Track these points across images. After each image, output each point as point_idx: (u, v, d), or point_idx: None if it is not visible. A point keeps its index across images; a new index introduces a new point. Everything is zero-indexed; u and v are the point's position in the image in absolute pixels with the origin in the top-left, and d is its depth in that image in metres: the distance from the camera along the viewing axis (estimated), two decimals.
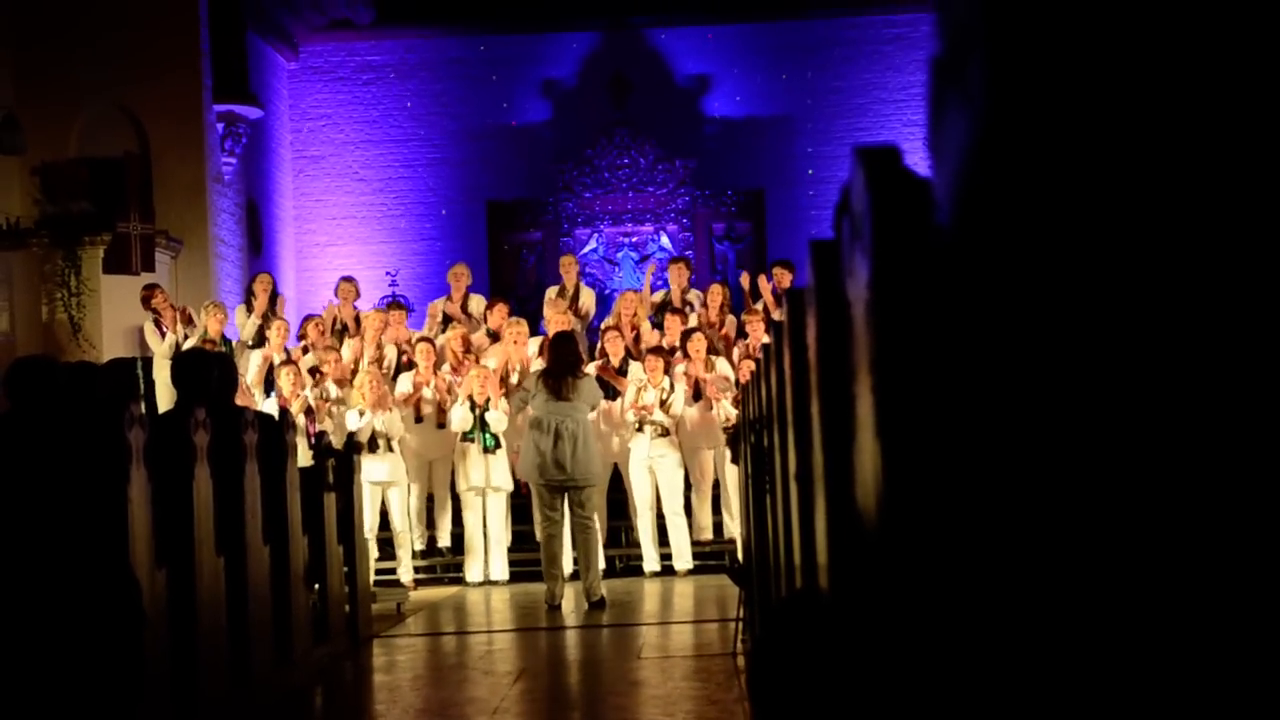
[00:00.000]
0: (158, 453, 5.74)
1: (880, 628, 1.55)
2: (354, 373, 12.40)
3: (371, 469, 11.56)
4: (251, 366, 12.58)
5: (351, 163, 18.88)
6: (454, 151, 18.76)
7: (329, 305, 14.06)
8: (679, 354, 12.53)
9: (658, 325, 13.32)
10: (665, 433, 11.93)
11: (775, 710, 2.51)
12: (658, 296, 14.16)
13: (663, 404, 11.90)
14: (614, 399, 12.15)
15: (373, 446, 11.64)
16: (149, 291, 13.31)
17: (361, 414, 11.66)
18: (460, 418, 11.75)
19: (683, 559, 12.01)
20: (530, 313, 14.37)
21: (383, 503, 11.93)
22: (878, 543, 1.48)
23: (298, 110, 18.91)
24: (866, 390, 1.48)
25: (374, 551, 11.67)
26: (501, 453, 11.80)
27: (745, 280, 14.07)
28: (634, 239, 18.01)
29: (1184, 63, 0.97)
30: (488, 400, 11.71)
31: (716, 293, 13.61)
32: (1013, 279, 1.05)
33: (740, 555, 9.73)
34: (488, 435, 11.73)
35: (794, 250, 15.91)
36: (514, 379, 11.89)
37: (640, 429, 11.93)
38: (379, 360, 12.76)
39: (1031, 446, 1.05)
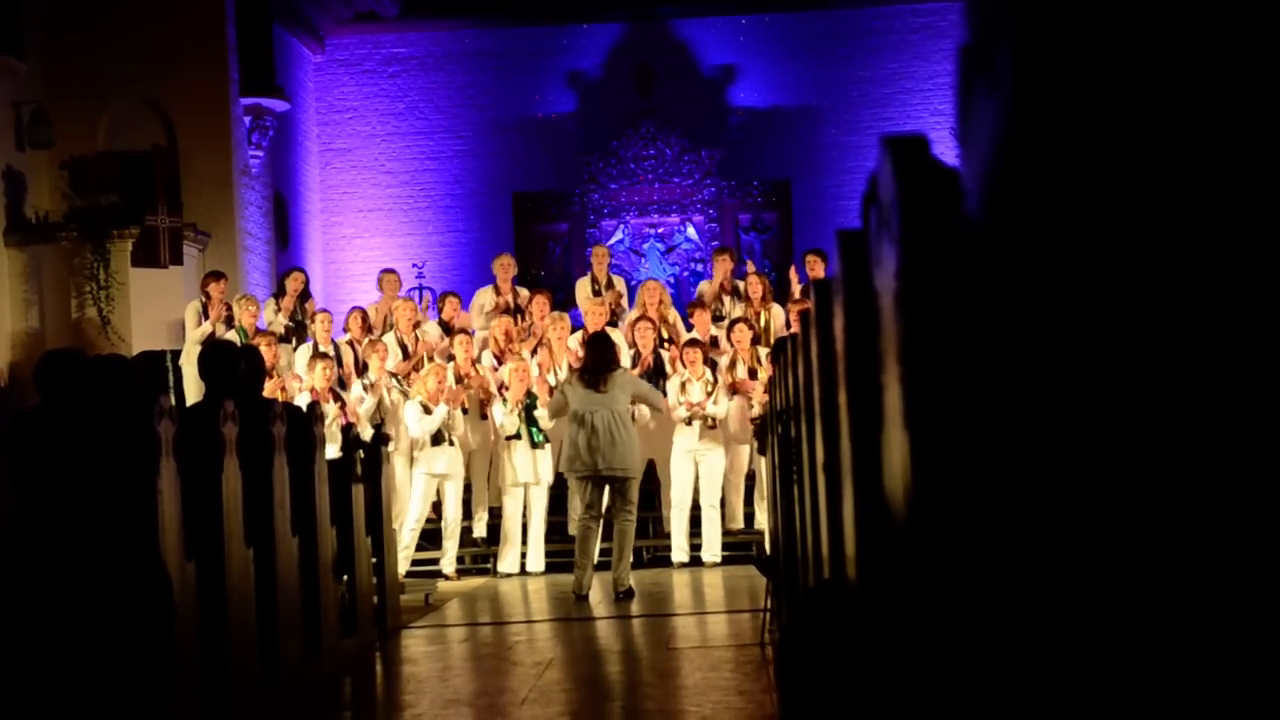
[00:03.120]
0: (187, 445, 5.76)
1: (908, 618, 1.55)
2: (415, 368, 12.49)
3: (433, 461, 11.64)
4: (298, 360, 12.66)
5: (378, 155, 18.90)
6: (480, 143, 18.77)
7: (373, 305, 14.09)
8: (716, 346, 12.59)
9: (688, 322, 13.29)
10: (713, 425, 11.94)
11: (803, 700, 2.51)
12: (709, 285, 14.16)
13: (708, 395, 11.92)
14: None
15: (436, 439, 11.69)
16: (212, 278, 13.40)
17: (425, 408, 11.67)
18: (505, 422, 11.81)
19: (712, 550, 12.02)
20: (557, 304, 14.37)
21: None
22: (905, 533, 1.48)
23: (324, 103, 18.95)
24: (894, 381, 1.47)
25: (411, 542, 11.74)
26: (549, 446, 11.83)
27: (794, 273, 14.18)
28: (660, 230, 17.98)
29: (1214, 49, 0.96)
30: (532, 396, 11.76)
31: (756, 283, 13.54)
32: (1042, 269, 1.04)
33: (768, 546, 9.73)
34: (535, 430, 11.76)
35: (820, 241, 15.87)
36: (560, 373, 11.93)
37: (689, 423, 11.94)
38: (417, 354, 12.81)
39: (1060, 438, 1.05)
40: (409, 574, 11.32)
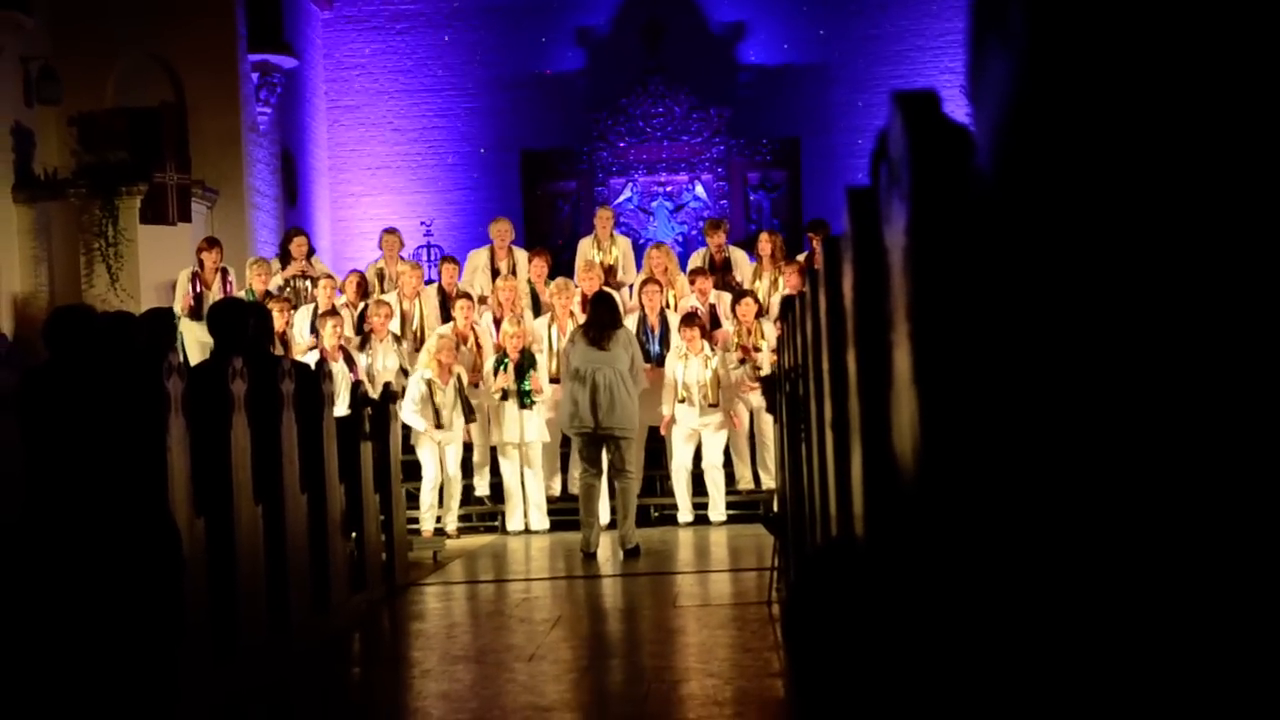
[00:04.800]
0: (195, 402, 5.77)
1: (915, 576, 1.55)
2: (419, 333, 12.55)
3: (431, 431, 11.67)
4: (299, 321, 12.67)
5: (386, 112, 18.86)
6: (488, 100, 18.72)
7: (372, 264, 14.07)
8: (715, 313, 12.61)
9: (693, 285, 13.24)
10: (715, 403, 11.95)
11: (810, 658, 2.52)
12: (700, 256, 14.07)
13: (706, 359, 11.93)
14: (660, 364, 12.16)
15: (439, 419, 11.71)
16: (206, 243, 13.36)
17: (430, 383, 11.63)
18: (491, 379, 11.88)
19: (717, 510, 12.06)
20: (565, 262, 14.35)
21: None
22: (914, 491, 1.48)
23: (332, 59, 18.89)
24: (904, 338, 1.47)
25: (433, 501, 11.77)
26: (539, 407, 11.85)
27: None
28: (669, 188, 17.94)
29: (1230, 8, 0.96)
30: (523, 354, 11.79)
31: (766, 241, 13.45)
32: (1053, 226, 1.04)
33: (775, 505, 9.75)
34: (525, 393, 11.78)
35: (829, 199, 15.85)
36: (563, 342, 11.94)
37: (684, 400, 11.95)
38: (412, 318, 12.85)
39: (1071, 394, 1.04)
40: (415, 532, 11.34)
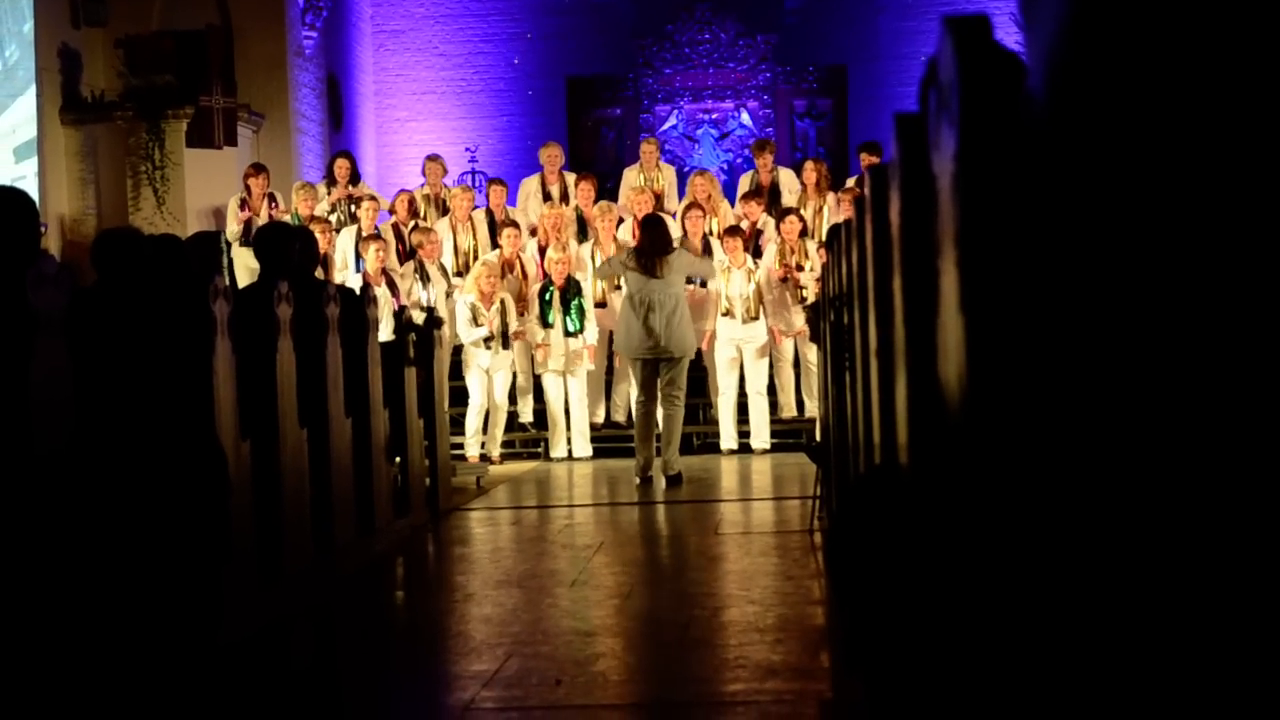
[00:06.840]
0: (241, 326, 5.80)
1: (959, 505, 1.55)
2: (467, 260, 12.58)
3: (482, 355, 11.74)
4: (342, 243, 12.70)
5: (431, 37, 18.79)
6: (534, 26, 18.63)
7: (418, 189, 13.99)
8: (763, 235, 12.56)
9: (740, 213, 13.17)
10: (756, 316, 11.96)
11: (852, 585, 2.52)
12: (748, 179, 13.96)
13: (750, 274, 11.93)
14: (703, 286, 12.17)
15: (486, 342, 11.77)
16: (253, 169, 13.36)
17: (474, 307, 11.70)
18: (533, 301, 11.93)
19: (760, 438, 12.08)
20: (609, 190, 14.30)
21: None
22: (959, 419, 1.47)
23: None
24: (951, 265, 1.46)
25: (478, 427, 11.84)
26: (583, 335, 11.91)
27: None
28: (714, 116, 17.85)
29: None
30: (568, 283, 11.83)
31: (812, 169, 13.34)
32: (1105, 152, 1.03)
33: (818, 433, 9.75)
34: (571, 318, 11.83)
35: (876, 128, 15.70)
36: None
37: (728, 313, 11.96)
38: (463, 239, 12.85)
39: (1119, 321, 1.03)
40: (459, 457, 11.41)
